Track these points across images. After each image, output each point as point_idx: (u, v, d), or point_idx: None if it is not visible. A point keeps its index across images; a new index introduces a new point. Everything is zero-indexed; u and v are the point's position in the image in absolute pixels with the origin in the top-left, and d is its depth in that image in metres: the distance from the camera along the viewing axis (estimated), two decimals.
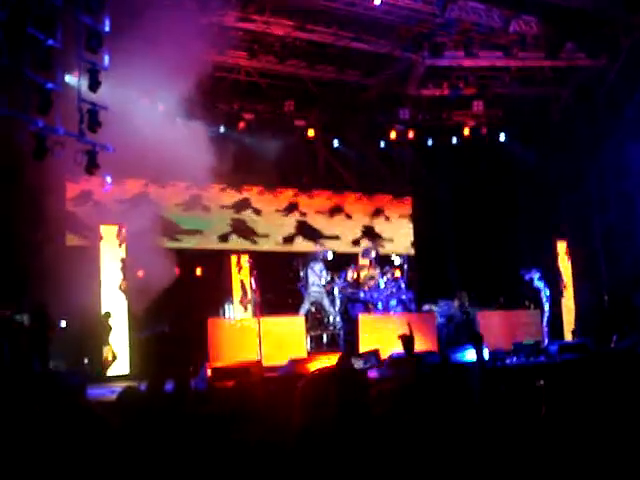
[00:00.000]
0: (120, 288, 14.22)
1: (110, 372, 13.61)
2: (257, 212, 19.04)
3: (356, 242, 20.07)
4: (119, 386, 6.16)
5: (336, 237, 19.91)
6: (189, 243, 17.72)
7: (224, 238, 18.43)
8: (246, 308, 15.68)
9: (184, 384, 5.43)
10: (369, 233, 20.49)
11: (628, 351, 11.99)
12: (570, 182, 17.71)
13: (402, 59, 17.68)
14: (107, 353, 13.67)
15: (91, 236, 15.08)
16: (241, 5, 15.12)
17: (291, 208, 19.60)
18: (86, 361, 13.76)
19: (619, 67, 17.05)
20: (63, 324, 13.70)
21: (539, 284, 16.60)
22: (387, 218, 20.94)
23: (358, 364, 12.08)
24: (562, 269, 18.19)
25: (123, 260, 14.37)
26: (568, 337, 17.30)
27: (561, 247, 18.20)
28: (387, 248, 19.94)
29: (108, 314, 13.87)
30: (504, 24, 16.43)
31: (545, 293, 16.60)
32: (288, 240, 19.34)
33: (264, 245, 18.88)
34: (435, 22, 16.40)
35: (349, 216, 20.40)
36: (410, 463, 3.37)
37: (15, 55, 10.23)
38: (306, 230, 19.62)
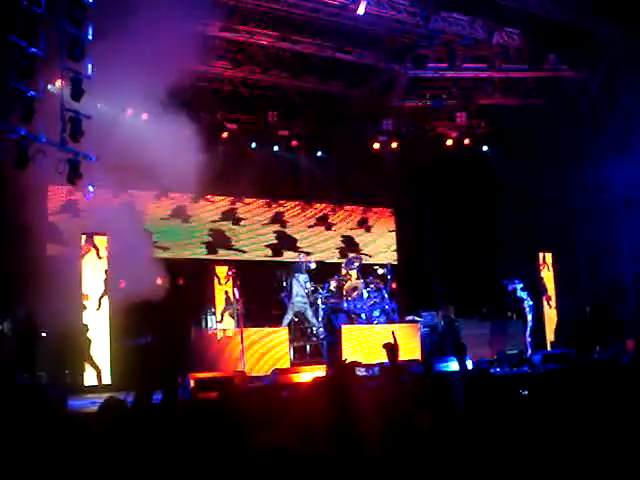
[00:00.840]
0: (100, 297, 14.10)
1: (91, 383, 13.46)
2: (239, 222, 19.00)
3: (339, 252, 20.05)
4: (101, 397, 6.08)
5: (319, 247, 19.88)
6: (172, 253, 17.61)
7: (207, 248, 18.35)
8: (230, 317, 15.59)
9: (172, 395, 5.37)
10: (352, 243, 20.48)
11: (611, 362, 12.05)
12: (553, 193, 17.77)
13: (385, 70, 17.73)
14: (88, 365, 13.52)
15: (72, 246, 14.96)
16: (225, 15, 15.10)
17: (274, 219, 19.58)
18: (66, 372, 13.61)
19: (601, 79, 17.17)
20: (43, 334, 13.58)
21: (522, 294, 16.63)
22: (370, 229, 20.95)
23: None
24: (545, 280, 18.27)
25: (106, 270, 14.25)
26: (550, 347, 17.34)
27: (544, 258, 18.29)
28: (370, 258, 19.94)
29: (86, 326, 13.72)
30: (487, 36, 16.52)
31: (528, 303, 16.62)
32: (271, 250, 19.29)
33: (247, 255, 18.82)
34: (418, 33, 16.46)
35: (332, 227, 20.38)
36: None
37: None
38: (288, 241, 19.58)
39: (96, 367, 13.50)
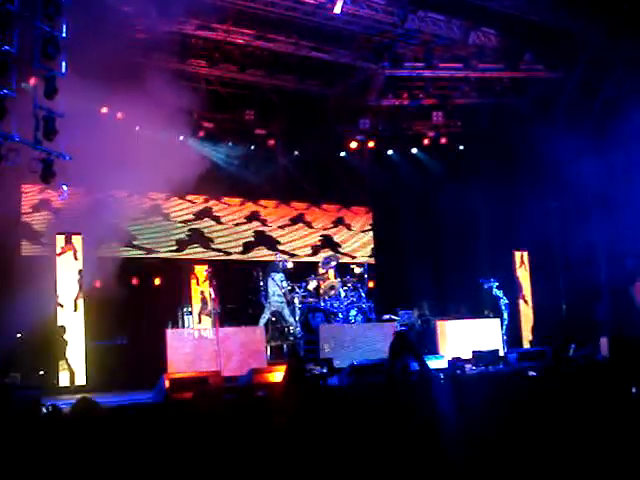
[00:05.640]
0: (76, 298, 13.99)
1: (65, 384, 13.35)
2: (216, 221, 18.90)
3: (316, 251, 20.03)
4: (75, 398, 6.02)
5: (296, 246, 19.85)
6: (147, 252, 17.49)
7: (183, 247, 18.23)
8: (207, 317, 15.52)
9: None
10: (329, 242, 20.46)
11: (585, 359, 12.18)
12: (529, 192, 17.83)
13: (362, 69, 17.76)
14: (63, 367, 13.40)
15: (47, 245, 14.86)
16: (202, 13, 15.02)
17: (251, 217, 19.50)
18: (41, 373, 13.49)
19: (578, 79, 17.26)
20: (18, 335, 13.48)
21: (498, 293, 16.73)
22: (347, 227, 20.94)
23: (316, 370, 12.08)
24: (521, 279, 18.37)
25: (80, 270, 14.12)
26: (527, 345, 17.43)
27: (520, 257, 18.41)
28: (347, 257, 19.95)
29: (63, 328, 13.60)
30: (463, 36, 16.59)
31: (504, 302, 16.73)
32: (247, 249, 19.21)
33: (223, 254, 18.74)
34: (395, 33, 16.49)
35: (309, 225, 20.35)
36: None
37: None
38: (265, 239, 19.51)
39: (70, 369, 13.39)
